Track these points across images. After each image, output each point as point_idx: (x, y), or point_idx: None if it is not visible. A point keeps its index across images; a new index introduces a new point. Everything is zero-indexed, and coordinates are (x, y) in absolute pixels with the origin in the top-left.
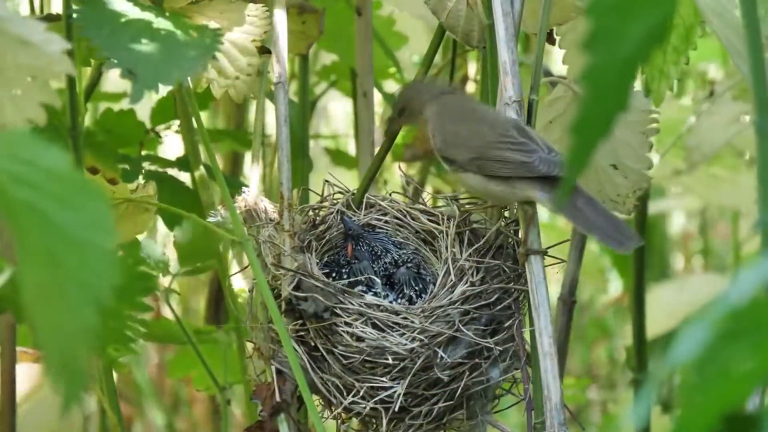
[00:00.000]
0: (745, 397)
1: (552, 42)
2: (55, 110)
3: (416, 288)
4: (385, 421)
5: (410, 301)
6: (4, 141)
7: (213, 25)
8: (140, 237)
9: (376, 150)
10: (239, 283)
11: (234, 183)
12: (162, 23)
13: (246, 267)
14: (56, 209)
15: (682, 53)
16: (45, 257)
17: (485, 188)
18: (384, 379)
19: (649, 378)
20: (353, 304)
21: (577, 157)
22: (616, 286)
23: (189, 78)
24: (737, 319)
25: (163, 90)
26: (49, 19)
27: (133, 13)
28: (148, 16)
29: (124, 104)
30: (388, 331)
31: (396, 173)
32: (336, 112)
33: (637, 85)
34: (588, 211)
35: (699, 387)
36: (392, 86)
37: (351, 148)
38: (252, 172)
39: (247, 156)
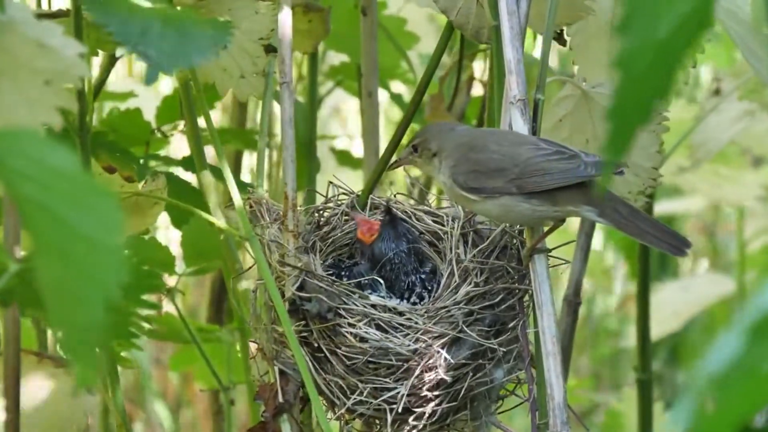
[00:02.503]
0: None
1: (563, 43)
2: (65, 110)
3: (429, 288)
4: (389, 422)
5: (420, 298)
6: (13, 140)
7: (223, 19)
8: (146, 237)
9: (381, 151)
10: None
11: (238, 183)
12: (173, 14)
13: (252, 267)
14: (65, 207)
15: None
16: (56, 253)
17: (519, 210)
18: (387, 379)
19: (686, 389)
20: (357, 305)
21: (613, 146)
22: (622, 288)
23: (197, 73)
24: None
25: (170, 87)
26: (58, 15)
27: (144, 5)
28: (159, 7)
29: (130, 104)
30: (392, 331)
31: (402, 174)
32: (350, 113)
33: None
34: (635, 220)
35: (725, 387)
36: (400, 87)
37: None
38: (257, 172)
39: (249, 155)
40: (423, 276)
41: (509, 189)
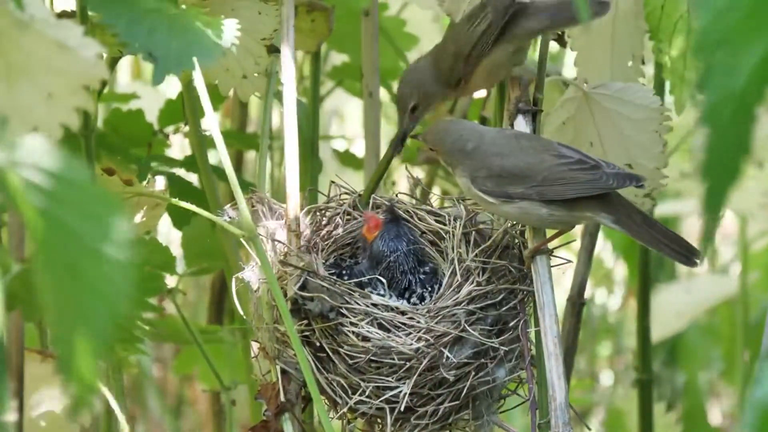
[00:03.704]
0: None
1: (563, 44)
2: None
3: (429, 288)
4: (390, 421)
5: (422, 299)
6: (25, 150)
7: (228, 19)
8: (147, 237)
9: (382, 150)
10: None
11: (241, 182)
12: (179, 14)
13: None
14: (75, 219)
15: None
16: (63, 266)
17: (537, 214)
18: (390, 378)
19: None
20: (359, 304)
21: (712, 203)
22: (622, 287)
23: (201, 75)
24: None
25: (174, 90)
26: (63, 16)
27: (150, 4)
28: (164, 7)
29: (133, 105)
30: (394, 331)
31: (404, 174)
32: (352, 113)
33: (646, 82)
34: (648, 228)
35: None
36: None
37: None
38: (258, 171)
39: (251, 155)
40: (422, 276)
41: (529, 195)
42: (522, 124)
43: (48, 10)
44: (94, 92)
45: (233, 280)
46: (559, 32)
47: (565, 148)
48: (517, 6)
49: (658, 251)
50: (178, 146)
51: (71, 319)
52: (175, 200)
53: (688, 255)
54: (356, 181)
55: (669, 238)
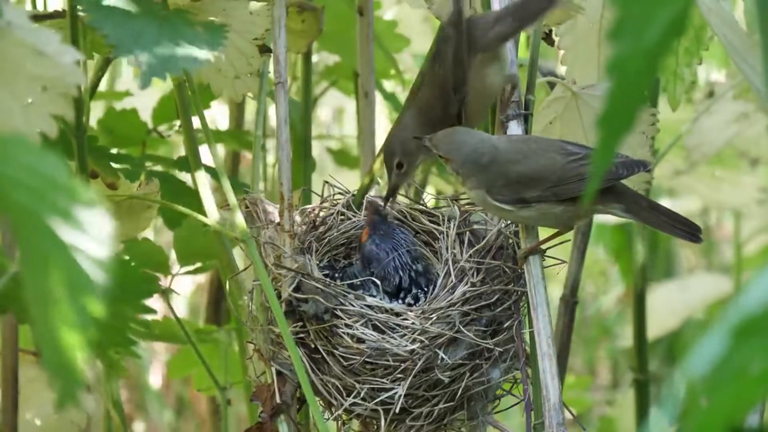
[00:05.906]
0: (757, 400)
1: (551, 42)
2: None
3: (424, 289)
4: (384, 423)
5: (416, 300)
6: (7, 146)
7: (217, 21)
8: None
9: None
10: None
11: (234, 183)
12: (168, 17)
13: (248, 267)
14: (53, 216)
15: (694, 55)
16: (41, 262)
17: (554, 213)
18: (385, 380)
19: (666, 391)
20: (354, 306)
21: (603, 151)
22: (617, 286)
23: (192, 74)
24: (752, 323)
25: (166, 87)
26: (54, 15)
27: (139, 7)
28: (153, 10)
29: (126, 103)
30: (389, 332)
31: None
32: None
33: None
34: (655, 212)
35: (712, 389)
36: (392, 86)
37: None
38: (252, 172)
39: (247, 155)
40: (413, 277)
41: (546, 197)
42: (515, 128)
43: (26, 15)
44: (86, 92)
45: (227, 281)
46: (546, 31)
47: (570, 145)
48: (473, 15)
49: (668, 233)
50: (177, 144)
51: (51, 315)
52: (166, 203)
53: (694, 232)
54: (351, 180)
55: (674, 219)
